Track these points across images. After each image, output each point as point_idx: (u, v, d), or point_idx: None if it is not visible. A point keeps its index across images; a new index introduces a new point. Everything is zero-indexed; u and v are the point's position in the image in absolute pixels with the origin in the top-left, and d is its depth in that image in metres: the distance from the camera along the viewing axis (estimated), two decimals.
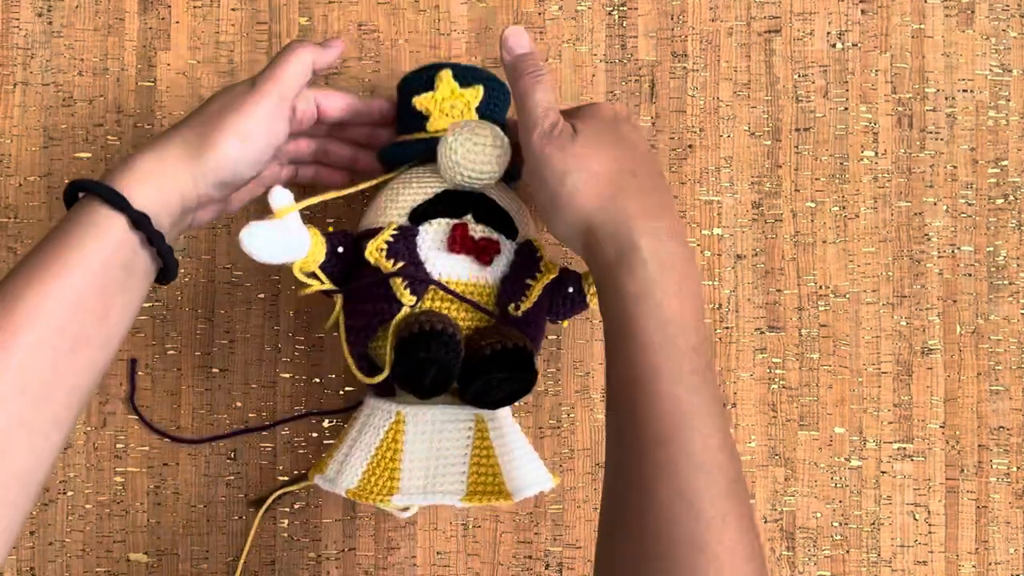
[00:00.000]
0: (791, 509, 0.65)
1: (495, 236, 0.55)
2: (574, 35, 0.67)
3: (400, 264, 0.53)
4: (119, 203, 0.48)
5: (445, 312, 0.54)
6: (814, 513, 0.65)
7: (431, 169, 0.57)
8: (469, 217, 0.55)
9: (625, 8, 0.67)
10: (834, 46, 0.67)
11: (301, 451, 0.65)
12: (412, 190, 0.56)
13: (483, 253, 0.54)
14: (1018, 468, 0.66)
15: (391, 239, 0.54)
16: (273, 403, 0.65)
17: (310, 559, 0.65)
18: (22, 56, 0.67)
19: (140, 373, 0.65)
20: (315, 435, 0.65)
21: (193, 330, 0.66)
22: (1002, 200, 0.67)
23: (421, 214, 0.55)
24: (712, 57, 0.67)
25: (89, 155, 0.66)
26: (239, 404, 0.65)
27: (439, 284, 0.54)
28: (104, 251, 0.48)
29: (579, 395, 0.65)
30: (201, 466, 0.65)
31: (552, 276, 0.56)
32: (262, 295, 0.66)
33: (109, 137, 0.66)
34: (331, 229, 0.56)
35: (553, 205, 0.51)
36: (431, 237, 0.55)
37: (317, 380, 0.66)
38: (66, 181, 0.66)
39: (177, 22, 0.67)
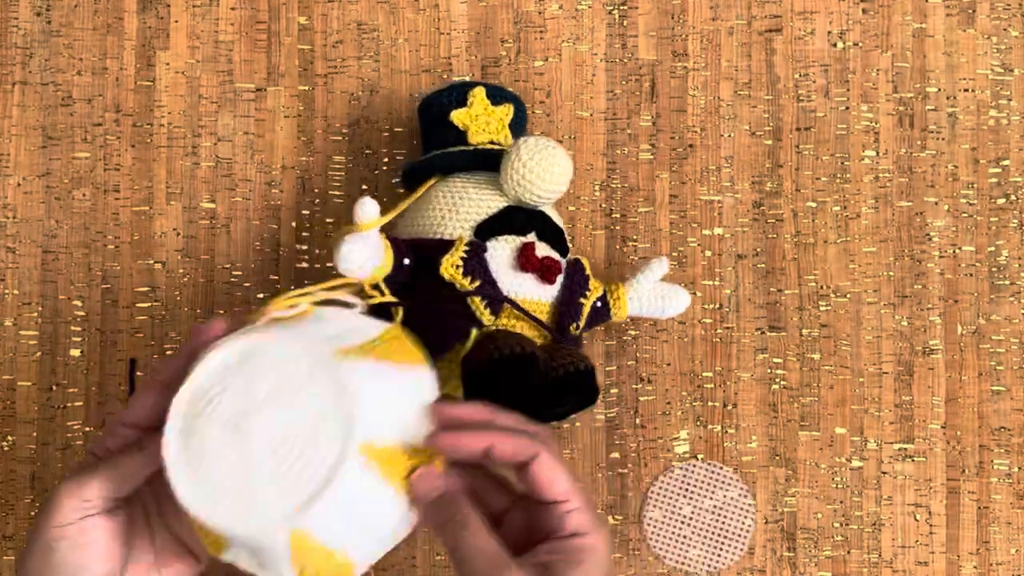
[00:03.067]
0: (792, 510, 0.65)
1: (555, 255, 0.56)
2: (574, 34, 0.67)
3: (477, 282, 0.53)
4: None
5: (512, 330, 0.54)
6: (815, 514, 0.65)
7: (487, 182, 0.57)
8: (533, 235, 0.56)
9: (625, 7, 0.67)
10: (835, 45, 0.67)
11: None
12: (473, 203, 0.56)
13: (548, 272, 0.55)
14: (1019, 468, 0.65)
15: (465, 255, 0.54)
16: None
17: None
18: (21, 55, 0.66)
19: (139, 373, 0.65)
20: None
21: None
22: (1003, 200, 0.67)
23: (486, 230, 0.55)
24: (713, 56, 0.67)
25: (88, 155, 0.66)
26: None
27: (514, 304, 0.54)
28: None
29: None
30: None
31: (599, 294, 0.58)
32: (261, 295, 0.66)
33: (108, 137, 0.66)
34: (385, 236, 0.55)
35: None
36: (499, 254, 0.55)
37: None
38: (65, 180, 0.66)
39: (176, 21, 0.67)
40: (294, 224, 0.66)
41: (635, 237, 0.66)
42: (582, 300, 0.57)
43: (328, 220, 0.66)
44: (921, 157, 0.67)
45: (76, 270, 0.66)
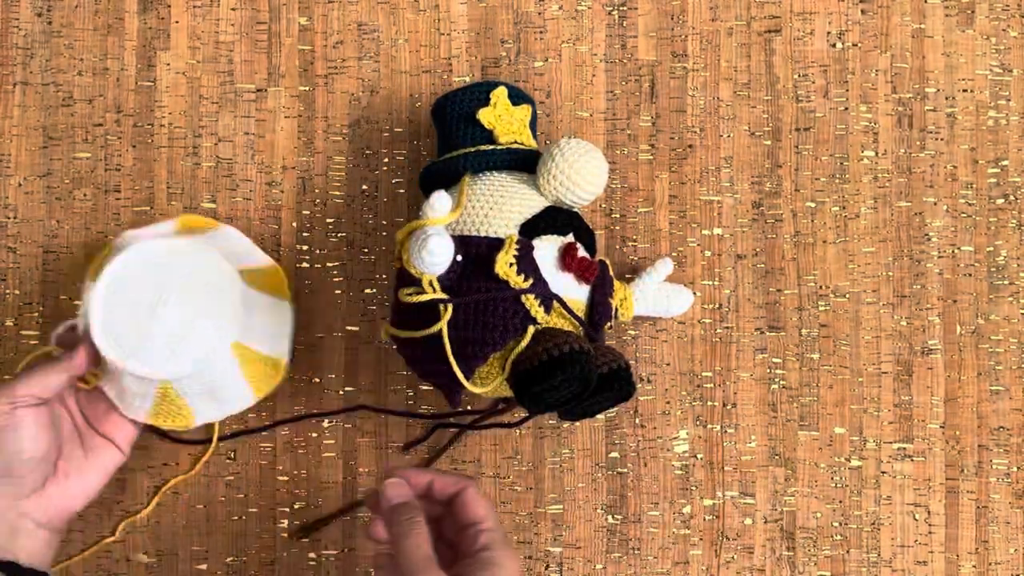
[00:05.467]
0: (791, 509, 0.65)
1: (590, 257, 0.57)
2: (574, 35, 0.67)
3: (530, 280, 0.54)
4: None
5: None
6: (814, 513, 0.65)
7: (521, 181, 0.57)
8: (571, 236, 0.57)
9: (625, 8, 0.67)
10: (834, 46, 0.67)
11: (300, 451, 0.65)
12: (516, 202, 0.56)
13: (587, 272, 0.56)
14: (1018, 468, 0.66)
15: (516, 254, 0.54)
16: (273, 403, 0.65)
17: (310, 559, 0.65)
18: (22, 56, 0.67)
19: None
20: (315, 435, 0.65)
21: None
22: (1002, 200, 0.67)
23: (530, 228, 0.56)
24: (712, 57, 0.67)
25: (88, 155, 0.66)
26: None
27: (562, 302, 0.55)
28: None
29: None
30: (201, 466, 0.65)
31: (623, 295, 0.60)
32: None
33: (109, 137, 0.66)
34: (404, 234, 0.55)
35: None
36: (543, 254, 0.55)
37: (317, 380, 0.66)
38: (66, 180, 0.66)
39: (177, 22, 0.67)
40: (294, 224, 0.66)
41: (635, 237, 0.66)
42: (611, 300, 0.58)
43: (328, 220, 0.66)
44: (920, 157, 0.67)
45: (77, 270, 0.66)
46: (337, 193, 0.66)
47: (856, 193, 0.67)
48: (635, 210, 0.66)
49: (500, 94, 0.59)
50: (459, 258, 0.54)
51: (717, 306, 0.66)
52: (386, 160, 0.67)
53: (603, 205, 0.66)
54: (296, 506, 0.65)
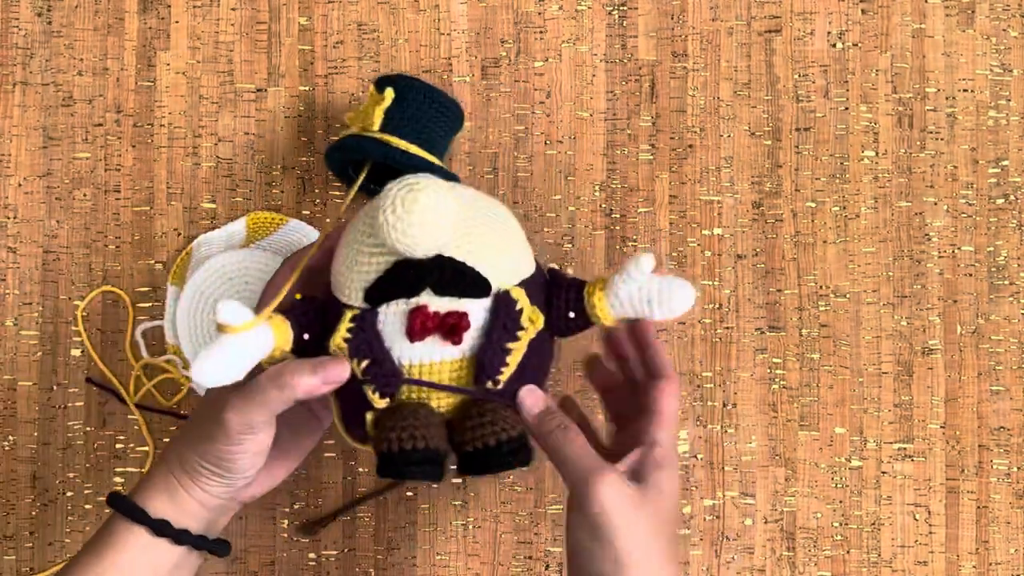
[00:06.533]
0: (791, 509, 0.65)
1: (462, 308, 0.47)
2: (574, 35, 0.67)
3: (366, 362, 0.47)
4: (137, 516, 0.51)
5: (424, 399, 0.48)
6: (814, 513, 0.65)
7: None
8: (426, 295, 0.47)
9: (625, 8, 0.67)
10: (834, 46, 0.67)
11: None
12: (365, 261, 0.48)
13: (451, 333, 0.47)
14: (1018, 468, 0.66)
15: (349, 334, 0.47)
16: None
17: (310, 559, 0.65)
18: (22, 56, 0.67)
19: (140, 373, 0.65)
20: None
21: None
22: (1002, 200, 0.67)
23: (376, 295, 0.47)
24: (712, 57, 0.67)
25: (88, 155, 0.66)
26: None
27: (411, 380, 0.48)
28: (135, 557, 0.52)
29: (579, 395, 0.65)
30: None
31: (536, 330, 0.49)
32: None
33: (109, 137, 0.66)
34: (298, 296, 0.50)
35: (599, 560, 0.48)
36: (391, 321, 0.47)
37: None
38: (66, 180, 0.66)
39: (177, 22, 0.67)
40: None
41: (635, 237, 0.66)
42: (509, 345, 0.48)
43: (328, 220, 0.66)
44: (920, 157, 0.67)
45: (77, 270, 0.66)
46: (337, 194, 0.66)
47: (856, 193, 0.67)
48: (635, 210, 0.66)
49: (371, 88, 0.60)
50: (306, 336, 0.49)
51: (717, 306, 0.66)
52: None
53: (603, 205, 0.66)
54: (296, 506, 0.65)
